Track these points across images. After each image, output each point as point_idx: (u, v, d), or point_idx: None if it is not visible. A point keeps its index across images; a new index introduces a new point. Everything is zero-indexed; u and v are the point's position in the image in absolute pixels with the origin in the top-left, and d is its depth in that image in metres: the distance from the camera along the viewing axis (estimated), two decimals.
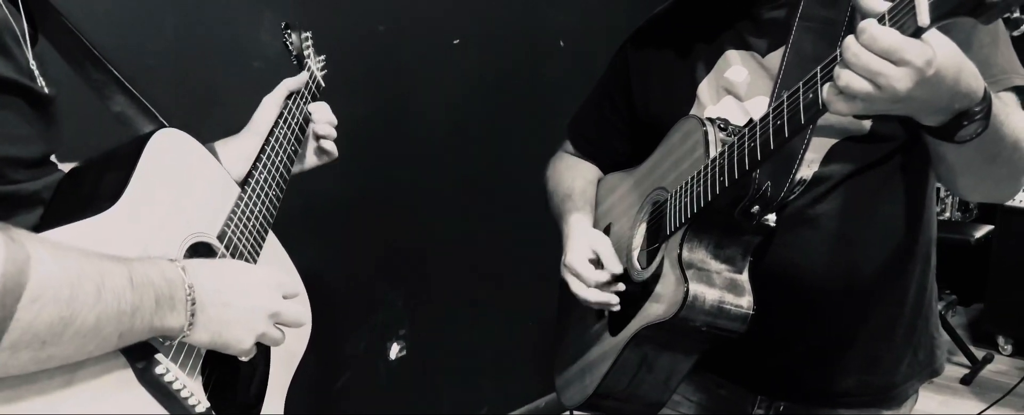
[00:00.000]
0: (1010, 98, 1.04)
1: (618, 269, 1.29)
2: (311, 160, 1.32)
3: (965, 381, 3.48)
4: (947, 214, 4.12)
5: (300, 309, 0.97)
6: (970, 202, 4.16)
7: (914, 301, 1.23)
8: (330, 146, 1.31)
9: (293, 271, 1.15)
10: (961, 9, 0.76)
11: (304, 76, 1.32)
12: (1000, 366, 3.65)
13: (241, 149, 1.19)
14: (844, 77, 0.82)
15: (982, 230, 3.75)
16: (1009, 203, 3.60)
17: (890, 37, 0.79)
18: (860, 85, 0.81)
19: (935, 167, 1.07)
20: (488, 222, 2.67)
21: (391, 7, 2.29)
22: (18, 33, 0.83)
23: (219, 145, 1.22)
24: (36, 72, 0.85)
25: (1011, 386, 3.22)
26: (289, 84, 1.29)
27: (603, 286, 1.28)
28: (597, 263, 1.31)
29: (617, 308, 1.27)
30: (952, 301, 4.17)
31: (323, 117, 1.31)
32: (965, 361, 3.60)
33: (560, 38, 2.85)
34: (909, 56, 0.79)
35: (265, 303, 0.91)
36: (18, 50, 0.82)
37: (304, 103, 1.29)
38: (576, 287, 1.30)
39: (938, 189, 1.21)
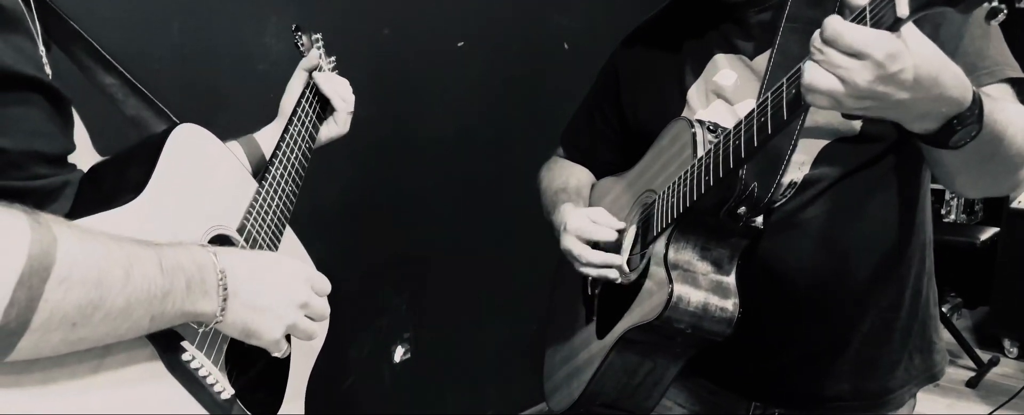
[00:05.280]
0: (1004, 90, 1.04)
1: (619, 224, 1.28)
2: (325, 133, 1.34)
3: (971, 384, 3.47)
4: (952, 216, 4.11)
5: (325, 303, 0.97)
6: (975, 204, 4.16)
7: (909, 305, 1.22)
8: (345, 118, 1.34)
9: (310, 264, 1.15)
10: None
11: (315, 54, 1.34)
12: (1006, 369, 3.65)
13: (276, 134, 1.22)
14: (808, 72, 0.82)
15: (987, 232, 3.74)
16: (1015, 205, 3.60)
17: (852, 31, 0.79)
18: (823, 80, 0.81)
19: (931, 169, 1.06)
20: (492, 225, 2.67)
21: (396, 10, 2.29)
22: (33, 32, 0.84)
23: (258, 135, 1.26)
24: (49, 72, 0.86)
25: (1017, 389, 3.22)
26: (304, 64, 1.32)
27: (607, 250, 1.27)
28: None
29: (616, 276, 1.25)
30: (957, 304, 4.17)
31: (345, 92, 1.34)
32: (971, 364, 3.59)
33: (564, 41, 2.85)
34: (870, 49, 0.78)
35: (295, 295, 0.91)
36: (34, 49, 0.83)
37: (317, 102, 1.31)
38: (579, 249, 1.27)
39: (942, 192, 1.20)
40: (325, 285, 0.98)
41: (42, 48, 0.86)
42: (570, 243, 1.29)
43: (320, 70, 1.35)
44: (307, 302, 0.92)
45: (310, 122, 1.27)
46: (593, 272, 1.26)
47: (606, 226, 1.28)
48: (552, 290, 1.56)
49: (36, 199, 0.80)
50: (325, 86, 1.32)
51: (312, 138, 1.28)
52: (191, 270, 0.79)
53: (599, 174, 1.49)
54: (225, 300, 0.82)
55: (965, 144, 0.89)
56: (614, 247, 1.30)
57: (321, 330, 1.11)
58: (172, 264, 0.76)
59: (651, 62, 1.33)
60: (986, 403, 3.29)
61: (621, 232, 1.28)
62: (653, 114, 1.29)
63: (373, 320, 2.43)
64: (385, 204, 2.41)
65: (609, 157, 1.45)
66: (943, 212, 4.08)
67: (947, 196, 4.00)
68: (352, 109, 1.34)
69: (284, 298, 0.89)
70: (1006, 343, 3.77)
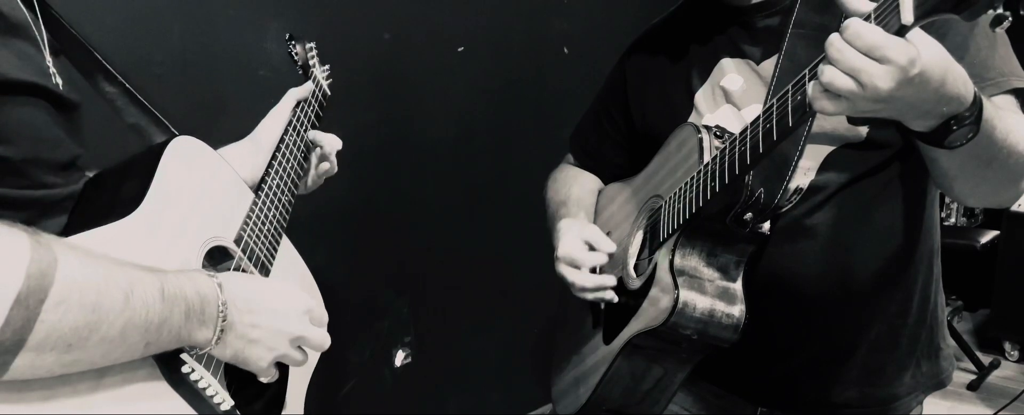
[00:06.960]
0: (1009, 101, 1.03)
1: (612, 248, 1.28)
2: (311, 182, 1.32)
3: (972, 387, 3.47)
4: (953, 219, 4.12)
5: (324, 334, 0.98)
6: (975, 207, 4.15)
7: (917, 311, 1.22)
8: (327, 167, 1.31)
9: (307, 274, 1.16)
10: (944, 6, 0.74)
11: (309, 86, 1.33)
12: (1007, 372, 3.64)
13: (241, 156, 1.20)
14: (827, 74, 0.81)
15: (988, 235, 3.74)
16: (1014, 208, 3.59)
17: (874, 34, 0.78)
18: (843, 82, 0.80)
19: (931, 172, 1.06)
20: (492, 229, 2.67)
21: (396, 16, 2.29)
22: (38, 39, 0.85)
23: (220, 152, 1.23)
24: (57, 78, 0.86)
25: (1018, 392, 3.21)
26: (295, 94, 1.30)
27: (599, 272, 1.28)
28: (591, 251, 1.30)
29: (612, 297, 1.25)
30: (958, 307, 4.16)
31: (331, 145, 1.30)
32: (972, 367, 3.59)
33: (564, 45, 2.86)
34: (892, 54, 0.78)
35: (291, 328, 0.92)
36: (38, 56, 0.83)
37: (312, 111, 1.31)
38: (572, 275, 1.29)
39: (943, 195, 1.19)
40: (324, 316, 0.99)
41: (48, 54, 0.86)
42: (563, 270, 1.31)
43: (317, 88, 1.34)
44: (302, 336, 0.93)
45: (304, 136, 1.27)
46: (589, 296, 1.28)
47: (599, 248, 1.29)
48: (561, 294, 1.57)
49: (40, 209, 0.80)
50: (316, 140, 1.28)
51: (308, 148, 1.27)
52: (193, 299, 0.79)
53: (607, 176, 1.50)
54: (222, 331, 0.83)
55: (961, 146, 0.89)
56: (618, 256, 1.31)
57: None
58: (174, 292, 0.77)
59: (658, 65, 1.33)
60: (987, 406, 3.29)
61: (611, 269, 1.28)
62: (660, 117, 1.30)
63: (374, 324, 2.43)
64: (386, 208, 2.41)
65: (617, 159, 1.46)
66: (943, 215, 4.08)
67: (947, 199, 4.00)
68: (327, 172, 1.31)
69: (277, 331, 0.90)
70: (1007, 346, 3.77)
